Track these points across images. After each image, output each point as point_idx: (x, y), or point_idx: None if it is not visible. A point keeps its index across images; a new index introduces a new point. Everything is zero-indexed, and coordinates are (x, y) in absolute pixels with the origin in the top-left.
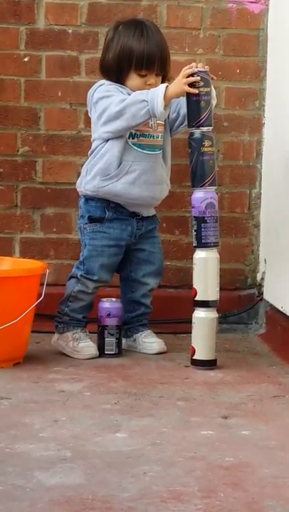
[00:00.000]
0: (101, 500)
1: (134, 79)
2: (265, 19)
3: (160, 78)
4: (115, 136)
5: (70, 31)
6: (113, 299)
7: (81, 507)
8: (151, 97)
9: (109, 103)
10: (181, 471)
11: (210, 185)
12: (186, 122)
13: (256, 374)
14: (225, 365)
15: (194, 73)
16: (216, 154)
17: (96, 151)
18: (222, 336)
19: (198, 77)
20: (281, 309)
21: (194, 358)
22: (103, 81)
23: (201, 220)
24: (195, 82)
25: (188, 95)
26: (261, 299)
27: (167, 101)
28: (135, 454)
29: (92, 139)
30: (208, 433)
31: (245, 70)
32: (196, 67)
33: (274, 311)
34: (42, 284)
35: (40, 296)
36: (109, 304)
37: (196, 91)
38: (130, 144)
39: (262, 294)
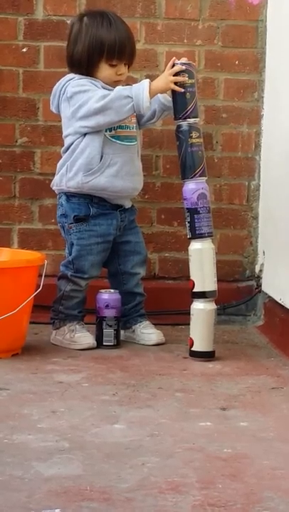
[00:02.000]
0: (99, 491)
1: (105, 69)
2: (264, 10)
3: (127, 67)
4: (94, 130)
5: (68, 22)
6: (111, 290)
7: (79, 498)
8: (136, 93)
9: (88, 98)
10: (179, 462)
11: (200, 175)
12: (154, 119)
13: (255, 366)
14: (223, 357)
15: (180, 68)
16: (214, 146)
17: (73, 146)
18: (220, 328)
19: (186, 76)
20: (279, 301)
21: (193, 349)
22: (72, 75)
23: (193, 212)
24: (182, 81)
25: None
26: (260, 291)
27: (151, 97)
28: (133, 445)
29: (64, 135)
30: (206, 424)
31: (244, 62)
32: (179, 60)
33: (272, 303)
34: (40, 275)
35: (39, 287)
36: (107, 296)
37: (182, 90)
38: (108, 137)
39: (260, 285)
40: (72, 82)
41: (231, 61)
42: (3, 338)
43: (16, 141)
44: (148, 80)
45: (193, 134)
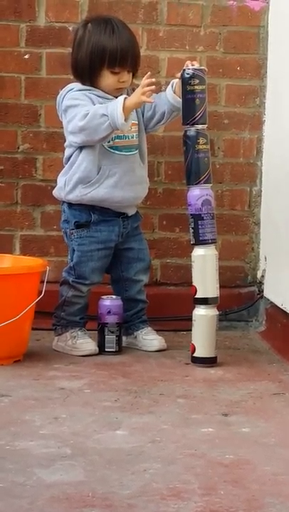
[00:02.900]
0: (101, 498)
1: (107, 77)
2: (265, 16)
3: (131, 75)
4: (85, 145)
5: (70, 28)
6: (113, 297)
7: (81, 504)
8: (111, 111)
9: (74, 115)
10: (181, 468)
11: (205, 182)
12: (163, 120)
13: (256, 371)
14: (225, 363)
15: (150, 81)
16: (216, 152)
17: (72, 159)
18: (222, 334)
19: (197, 82)
20: (281, 307)
21: (194, 355)
22: (73, 85)
23: (197, 218)
24: (151, 91)
25: (183, 93)
26: (261, 297)
27: (127, 113)
28: (135, 451)
29: (65, 144)
30: (208, 430)
31: (246, 68)
32: (192, 65)
33: (274, 309)
34: (42, 282)
35: (41, 293)
36: (109, 302)
37: (151, 100)
38: (106, 147)
39: (262, 291)
40: (68, 95)
41: (233, 67)
42: (5, 344)
43: (18, 148)
44: (124, 96)
45: (201, 141)
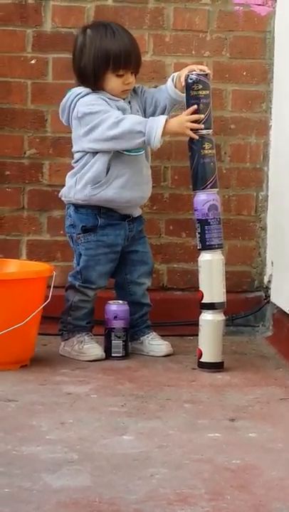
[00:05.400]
0: (108, 503)
1: (112, 80)
2: (271, 21)
3: (134, 76)
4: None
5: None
6: (120, 302)
7: (88, 509)
8: (149, 130)
9: (100, 121)
10: (188, 473)
11: (212, 187)
12: (165, 114)
13: (263, 376)
14: (232, 368)
15: (198, 117)
16: (222, 157)
17: (84, 160)
18: (229, 339)
19: (200, 87)
20: (288, 312)
21: (201, 360)
22: (80, 89)
23: (204, 223)
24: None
25: (187, 98)
26: (268, 302)
27: (165, 136)
28: (142, 457)
29: (74, 149)
30: (215, 435)
31: (252, 73)
32: (195, 70)
33: (281, 314)
34: (49, 287)
35: (47, 298)
36: (116, 307)
37: (196, 136)
38: None
39: (269, 296)
40: (82, 101)
41: (239, 72)
42: (11, 349)
43: (25, 153)
44: (165, 118)
45: (206, 145)
